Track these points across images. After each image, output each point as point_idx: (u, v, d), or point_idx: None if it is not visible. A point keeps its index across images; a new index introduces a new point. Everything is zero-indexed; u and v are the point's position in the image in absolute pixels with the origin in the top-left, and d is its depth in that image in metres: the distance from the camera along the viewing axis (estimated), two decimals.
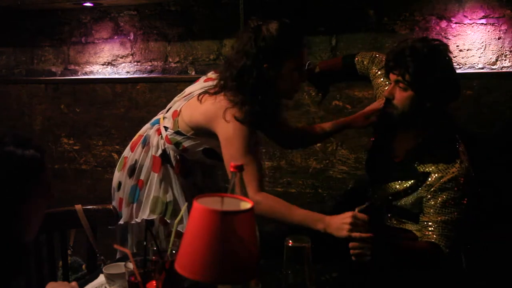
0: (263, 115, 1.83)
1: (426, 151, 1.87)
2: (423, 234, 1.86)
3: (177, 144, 2.00)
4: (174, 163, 2.03)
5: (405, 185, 1.90)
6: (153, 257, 1.36)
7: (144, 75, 3.06)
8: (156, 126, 2.09)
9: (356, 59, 2.33)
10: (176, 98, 2.10)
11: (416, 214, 1.91)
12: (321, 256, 1.67)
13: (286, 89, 1.90)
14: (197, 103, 1.91)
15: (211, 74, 2.04)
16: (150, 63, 3.06)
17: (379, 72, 2.21)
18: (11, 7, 3.02)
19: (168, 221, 2.02)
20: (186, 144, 1.99)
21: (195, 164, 2.09)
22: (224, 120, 1.81)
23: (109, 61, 3.16)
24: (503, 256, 2.31)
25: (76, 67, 3.25)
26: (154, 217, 2.03)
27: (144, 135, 2.11)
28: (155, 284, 1.31)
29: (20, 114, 3.27)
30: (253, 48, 1.79)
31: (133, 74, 3.10)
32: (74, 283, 1.50)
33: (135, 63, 3.10)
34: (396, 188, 1.93)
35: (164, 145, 2.03)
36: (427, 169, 1.85)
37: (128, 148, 2.16)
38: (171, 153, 2.03)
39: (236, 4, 2.54)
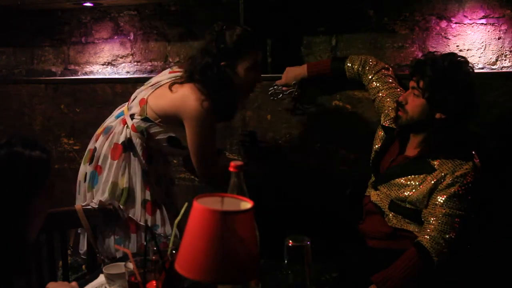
0: (224, 108, 2.06)
1: (442, 150, 1.90)
2: (422, 228, 1.86)
3: (143, 132, 2.11)
4: (140, 151, 2.13)
5: (417, 180, 1.91)
6: (153, 257, 1.36)
7: (144, 75, 3.06)
8: (121, 117, 2.18)
9: (347, 65, 2.33)
10: (142, 88, 2.21)
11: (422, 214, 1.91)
12: (321, 256, 1.68)
13: (242, 87, 2.09)
14: (166, 91, 2.07)
15: (176, 68, 2.23)
16: (150, 63, 3.06)
17: (374, 77, 2.25)
18: (11, 7, 3.02)
19: (122, 207, 2.11)
20: (152, 130, 2.11)
21: (157, 152, 2.19)
22: (191, 106, 2.00)
23: (109, 61, 3.16)
24: (503, 257, 2.31)
25: (76, 67, 3.25)
26: (110, 201, 2.11)
27: (107, 126, 2.20)
28: (155, 284, 1.31)
29: (20, 114, 3.27)
30: (214, 48, 2.03)
31: (133, 74, 3.10)
32: (74, 283, 1.50)
33: (135, 63, 3.10)
34: (406, 184, 1.93)
35: (130, 133, 2.12)
36: (442, 165, 1.87)
37: (93, 139, 2.24)
38: (138, 141, 2.12)
39: (236, 4, 2.54)
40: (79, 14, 3.16)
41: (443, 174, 1.86)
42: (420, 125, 1.93)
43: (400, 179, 1.96)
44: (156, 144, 2.15)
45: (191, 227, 1.06)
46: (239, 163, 1.23)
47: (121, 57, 3.12)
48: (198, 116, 2.01)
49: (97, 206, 2.09)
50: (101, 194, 2.12)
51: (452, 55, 1.92)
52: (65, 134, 3.19)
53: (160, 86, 2.12)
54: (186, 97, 2.01)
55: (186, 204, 1.35)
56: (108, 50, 3.15)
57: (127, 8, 3.05)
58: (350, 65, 2.32)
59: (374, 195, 2.06)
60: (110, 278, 1.50)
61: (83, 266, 2.79)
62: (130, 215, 2.11)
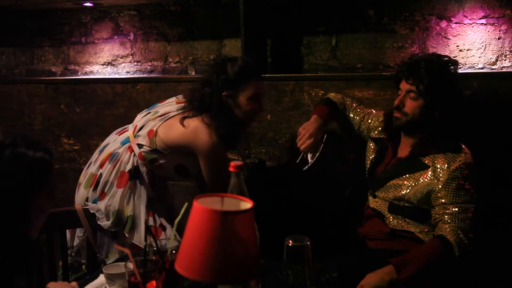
0: (229, 137, 2.09)
1: (431, 145, 1.94)
2: (437, 228, 1.85)
3: (151, 161, 2.13)
4: (146, 178, 2.15)
5: (412, 178, 1.93)
6: (153, 257, 1.36)
7: (144, 75, 3.06)
8: (127, 144, 2.17)
9: (330, 97, 2.32)
10: (148, 116, 2.19)
11: (422, 211, 1.92)
12: (321, 255, 1.68)
13: (244, 116, 2.13)
14: (177, 124, 2.10)
15: (181, 98, 2.23)
16: (150, 63, 3.06)
17: (351, 110, 2.30)
18: (11, 7, 3.02)
19: (127, 235, 2.11)
20: (162, 160, 2.13)
21: (161, 179, 2.24)
22: (203, 141, 2.06)
23: (109, 61, 3.16)
24: (502, 257, 2.31)
25: (76, 67, 3.25)
26: (114, 229, 2.11)
27: (113, 152, 2.18)
28: (155, 284, 1.31)
29: (20, 114, 3.27)
30: (215, 79, 2.09)
31: (133, 74, 3.10)
32: (74, 283, 1.50)
33: (135, 63, 3.10)
34: (402, 183, 1.95)
35: (137, 162, 2.14)
36: (434, 160, 1.91)
37: (97, 165, 2.21)
38: (144, 169, 2.14)
39: (236, 4, 2.54)
40: (79, 14, 3.16)
41: (438, 169, 1.88)
42: (418, 125, 1.96)
43: (395, 180, 1.98)
44: (162, 172, 2.18)
45: (191, 227, 1.06)
46: (239, 163, 1.23)
47: (121, 57, 3.12)
48: (211, 151, 2.07)
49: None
50: (102, 219, 2.10)
51: (438, 55, 2.02)
52: (65, 134, 3.19)
53: (170, 118, 2.13)
54: (198, 133, 2.06)
55: (186, 204, 1.35)
56: (108, 50, 3.15)
57: (127, 8, 3.05)
58: (330, 97, 2.33)
59: (372, 202, 2.08)
60: (110, 278, 1.50)
61: (83, 266, 2.79)
62: (135, 242, 2.11)
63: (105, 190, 2.14)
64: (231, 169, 1.23)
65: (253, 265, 1.08)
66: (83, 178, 2.23)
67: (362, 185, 2.23)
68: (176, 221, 1.40)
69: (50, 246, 1.96)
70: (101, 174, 2.16)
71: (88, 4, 2.95)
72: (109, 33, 3.13)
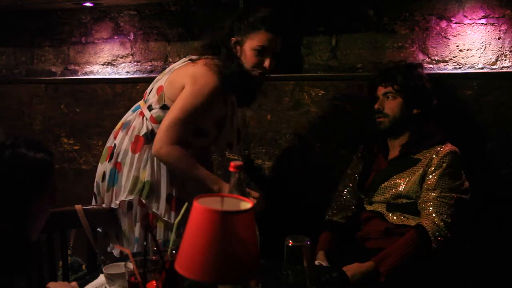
0: (234, 81, 1.98)
1: (419, 143, 2.04)
2: (421, 216, 1.91)
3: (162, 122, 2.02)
4: None
5: (406, 174, 2.00)
6: (153, 257, 1.36)
7: (144, 75, 3.06)
8: (138, 110, 2.12)
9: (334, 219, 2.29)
10: (157, 78, 2.16)
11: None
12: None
13: (247, 67, 2.00)
14: (180, 70, 2.05)
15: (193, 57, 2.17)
16: (150, 63, 3.06)
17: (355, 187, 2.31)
18: (11, 7, 3.02)
19: (144, 201, 2.02)
20: None
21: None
22: (198, 72, 1.98)
23: (109, 61, 3.16)
24: (499, 257, 2.31)
25: (76, 67, 3.25)
26: (131, 197, 2.03)
27: (125, 122, 2.14)
28: (155, 284, 1.31)
29: (20, 114, 3.27)
30: (229, 22, 2.03)
31: (133, 74, 3.10)
32: (74, 283, 1.51)
33: (135, 63, 3.10)
34: (398, 182, 2.01)
35: (151, 125, 2.05)
36: (425, 154, 2.00)
37: (111, 137, 2.17)
38: None
39: (236, 4, 2.54)
40: (79, 14, 3.16)
41: (428, 159, 1.97)
42: (400, 124, 2.06)
43: (389, 181, 2.04)
44: None
45: (191, 227, 1.06)
46: (239, 163, 1.23)
47: (121, 57, 3.12)
48: (200, 80, 1.95)
49: (117, 206, 2.06)
50: (123, 193, 2.04)
51: (403, 61, 2.29)
52: (65, 134, 3.19)
53: (175, 70, 2.07)
54: (197, 69, 1.98)
55: (186, 204, 1.35)
56: (108, 50, 3.15)
57: (127, 8, 3.05)
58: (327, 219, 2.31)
59: (369, 208, 2.12)
60: (110, 278, 1.50)
61: (83, 266, 2.79)
62: (153, 210, 2.02)
63: (119, 159, 2.06)
64: (231, 169, 1.23)
65: (253, 265, 1.08)
66: (102, 155, 2.18)
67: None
68: (176, 221, 1.40)
69: (50, 246, 1.96)
70: (115, 145, 2.09)
71: (88, 4, 2.95)
72: (109, 33, 3.12)
